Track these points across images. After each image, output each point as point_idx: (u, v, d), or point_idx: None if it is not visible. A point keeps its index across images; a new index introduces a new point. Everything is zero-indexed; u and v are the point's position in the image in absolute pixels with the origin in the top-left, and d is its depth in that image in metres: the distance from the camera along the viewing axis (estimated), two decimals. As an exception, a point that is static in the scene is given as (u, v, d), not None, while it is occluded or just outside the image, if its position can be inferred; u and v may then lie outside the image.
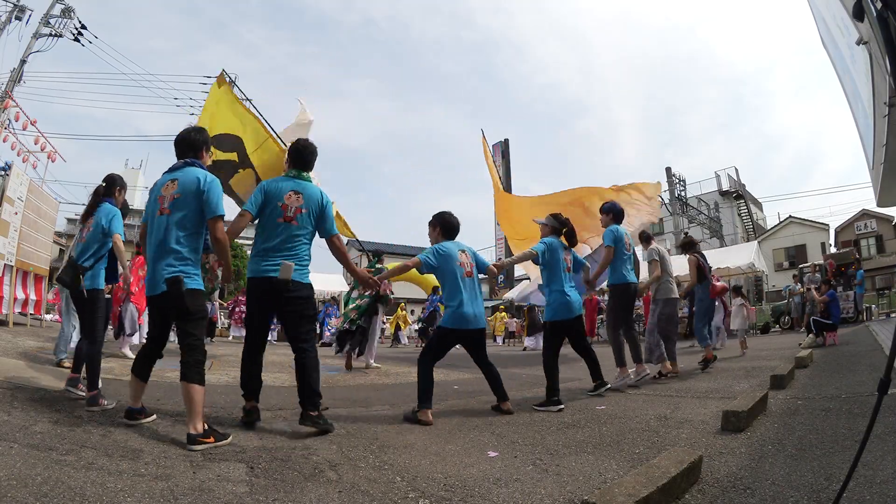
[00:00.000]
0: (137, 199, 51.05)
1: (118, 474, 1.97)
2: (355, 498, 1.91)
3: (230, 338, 14.14)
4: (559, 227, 4.29)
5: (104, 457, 2.17)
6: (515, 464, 2.37)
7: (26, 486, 1.75)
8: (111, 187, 3.73)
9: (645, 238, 6.13)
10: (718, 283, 6.08)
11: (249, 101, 7.42)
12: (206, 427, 2.51)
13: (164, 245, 2.67)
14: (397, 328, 17.75)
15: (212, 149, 3.40)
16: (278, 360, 7.72)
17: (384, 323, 18.39)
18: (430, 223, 3.80)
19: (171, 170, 2.85)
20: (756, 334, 13.32)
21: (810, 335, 7.54)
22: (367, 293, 6.28)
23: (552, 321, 4.10)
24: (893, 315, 15.16)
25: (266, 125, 6.83)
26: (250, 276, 2.95)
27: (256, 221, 3.03)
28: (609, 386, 4.27)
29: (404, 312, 18.14)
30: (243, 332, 3.40)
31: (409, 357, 9.90)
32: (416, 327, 18.01)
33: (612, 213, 4.97)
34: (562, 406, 3.66)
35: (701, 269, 6.05)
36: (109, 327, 7.80)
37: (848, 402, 3.31)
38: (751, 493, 1.90)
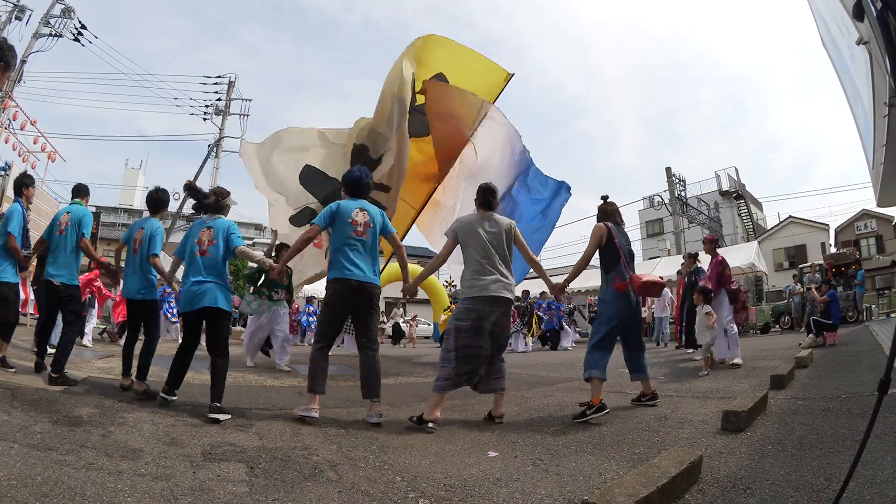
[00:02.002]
0: (138, 199, 51.05)
1: (118, 474, 1.97)
2: (355, 498, 1.91)
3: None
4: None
5: (104, 457, 2.17)
6: (515, 464, 2.37)
7: (26, 486, 1.75)
8: (19, 187, 4.33)
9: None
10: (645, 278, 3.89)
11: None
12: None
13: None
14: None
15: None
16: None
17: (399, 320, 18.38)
18: None
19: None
20: (756, 334, 13.32)
21: (810, 335, 7.53)
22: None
23: None
24: (893, 315, 15.16)
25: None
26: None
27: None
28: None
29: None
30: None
31: (410, 358, 9.90)
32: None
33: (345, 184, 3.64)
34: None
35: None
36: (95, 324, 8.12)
37: (848, 402, 3.31)
38: (751, 493, 1.90)
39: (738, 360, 5.64)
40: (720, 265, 6.01)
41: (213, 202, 3.61)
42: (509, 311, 3.46)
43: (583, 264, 3.78)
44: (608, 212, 3.83)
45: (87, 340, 7.32)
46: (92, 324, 7.83)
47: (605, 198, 3.91)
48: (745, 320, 9.29)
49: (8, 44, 2.05)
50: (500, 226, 3.46)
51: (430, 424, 3.07)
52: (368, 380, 3.30)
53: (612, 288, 3.56)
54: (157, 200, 4.13)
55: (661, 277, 4.26)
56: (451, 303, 11.23)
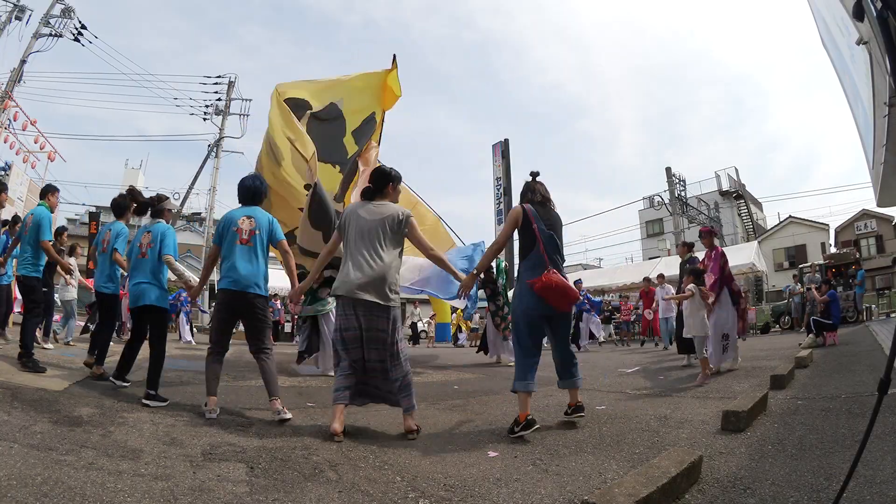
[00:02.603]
0: (137, 199, 50.99)
1: (118, 474, 1.97)
2: (355, 498, 1.91)
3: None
4: None
5: (104, 457, 2.17)
6: (515, 464, 2.37)
7: (26, 486, 1.75)
8: None
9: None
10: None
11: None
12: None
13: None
14: (458, 329, 17.68)
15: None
16: (278, 361, 7.72)
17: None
18: None
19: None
20: (756, 334, 13.33)
21: (810, 335, 7.53)
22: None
23: None
24: (893, 315, 15.16)
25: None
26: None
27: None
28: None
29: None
30: None
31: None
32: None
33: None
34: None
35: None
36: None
37: (848, 402, 3.31)
38: (751, 493, 1.90)
39: (731, 366, 5.40)
40: (722, 258, 5.44)
41: (152, 207, 4.02)
42: (379, 311, 2.90)
43: (494, 248, 3.44)
44: (530, 190, 3.27)
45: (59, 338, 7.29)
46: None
47: (533, 175, 3.34)
48: (743, 331, 8.52)
49: None
50: (382, 213, 3.00)
51: (335, 437, 2.73)
52: (266, 381, 3.28)
53: (525, 281, 3.06)
54: (118, 206, 4.62)
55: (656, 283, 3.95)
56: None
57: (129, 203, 4.46)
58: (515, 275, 3.33)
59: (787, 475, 2.05)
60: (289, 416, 3.15)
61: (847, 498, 1.62)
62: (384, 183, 3.10)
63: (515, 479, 2.14)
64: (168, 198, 4.21)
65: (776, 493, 1.87)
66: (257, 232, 3.35)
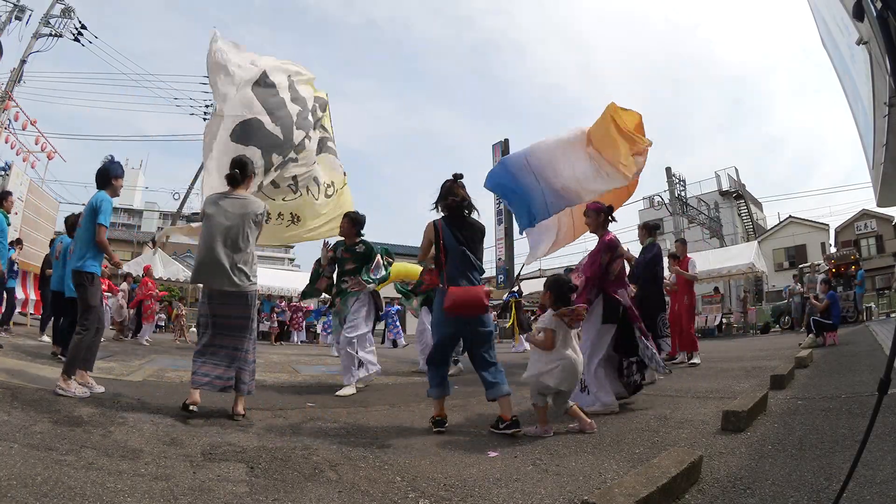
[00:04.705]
0: (137, 198, 51.10)
1: (118, 474, 1.97)
2: (355, 498, 1.91)
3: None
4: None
5: (104, 457, 2.17)
6: (515, 464, 2.37)
7: (26, 486, 1.75)
8: None
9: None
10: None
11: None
12: None
13: None
14: None
15: None
16: (278, 361, 7.74)
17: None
18: None
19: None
20: (756, 334, 13.33)
21: (810, 335, 7.54)
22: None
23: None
24: (893, 315, 15.15)
25: None
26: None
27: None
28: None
29: None
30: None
31: (408, 359, 9.91)
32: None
33: None
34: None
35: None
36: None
37: (848, 402, 3.31)
38: (751, 493, 1.90)
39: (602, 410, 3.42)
40: (608, 250, 3.65)
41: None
42: (234, 299, 3.13)
43: (418, 263, 3.35)
44: (451, 194, 3.09)
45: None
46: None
47: (455, 177, 3.16)
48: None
49: None
50: (239, 207, 3.19)
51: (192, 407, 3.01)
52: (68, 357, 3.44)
53: (438, 297, 3.07)
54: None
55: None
56: None
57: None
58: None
59: (788, 475, 2.05)
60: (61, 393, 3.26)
61: (847, 498, 1.62)
62: (238, 170, 3.31)
63: (515, 479, 2.14)
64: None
65: (776, 493, 1.87)
66: (84, 215, 3.69)
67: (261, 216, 3.26)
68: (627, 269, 4.35)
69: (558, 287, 3.06)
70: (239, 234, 3.13)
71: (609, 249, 3.64)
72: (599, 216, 3.82)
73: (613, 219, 3.85)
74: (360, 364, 4.59)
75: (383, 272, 4.82)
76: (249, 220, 3.18)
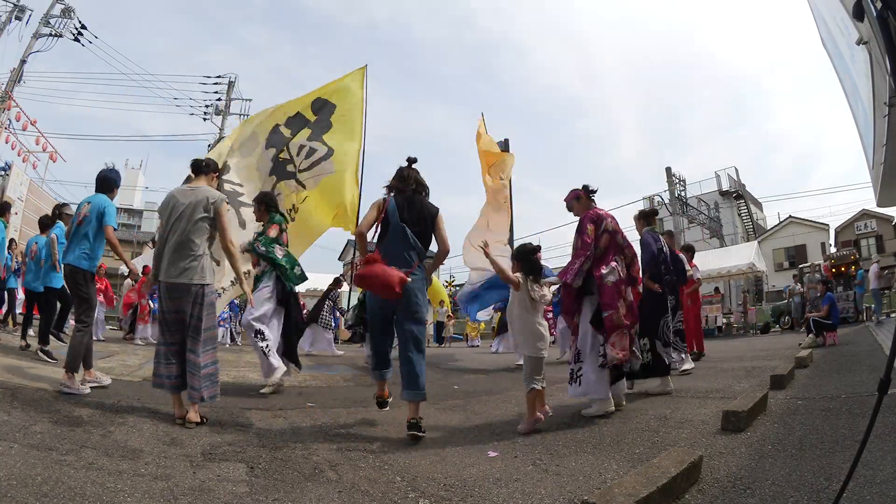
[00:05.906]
0: (137, 198, 51.06)
1: (118, 474, 1.97)
2: (355, 498, 1.91)
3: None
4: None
5: (104, 457, 2.17)
6: (515, 464, 2.37)
7: (26, 486, 1.75)
8: None
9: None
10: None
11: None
12: None
13: None
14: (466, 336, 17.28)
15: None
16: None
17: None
18: None
19: None
20: (756, 334, 13.33)
21: (810, 335, 7.53)
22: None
23: None
24: (893, 315, 15.14)
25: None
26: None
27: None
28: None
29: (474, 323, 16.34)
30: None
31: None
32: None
33: None
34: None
35: None
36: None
37: (848, 402, 3.31)
38: (751, 493, 1.90)
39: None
40: (596, 224, 3.48)
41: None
42: (179, 293, 2.97)
43: (357, 234, 3.14)
44: (403, 178, 3.13)
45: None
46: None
47: (410, 161, 3.21)
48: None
49: None
50: (191, 196, 3.09)
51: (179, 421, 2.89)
52: (69, 355, 3.53)
53: None
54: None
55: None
56: (451, 302, 10.91)
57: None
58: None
59: (788, 475, 2.05)
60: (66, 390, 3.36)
61: (847, 498, 1.62)
62: (197, 165, 3.37)
63: (515, 479, 2.14)
64: (67, 205, 5.07)
65: (776, 493, 1.87)
66: (88, 215, 3.86)
67: (212, 204, 3.06)
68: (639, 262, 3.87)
69: (524, 255, 3.17)
70: (188, 225, 2.99)
71: (591, 220, 3.47)
72: (580, 200, 3.65)
73: (593, 191, 3.64)
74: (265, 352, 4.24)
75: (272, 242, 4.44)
76: (200, 209, 3.02)
